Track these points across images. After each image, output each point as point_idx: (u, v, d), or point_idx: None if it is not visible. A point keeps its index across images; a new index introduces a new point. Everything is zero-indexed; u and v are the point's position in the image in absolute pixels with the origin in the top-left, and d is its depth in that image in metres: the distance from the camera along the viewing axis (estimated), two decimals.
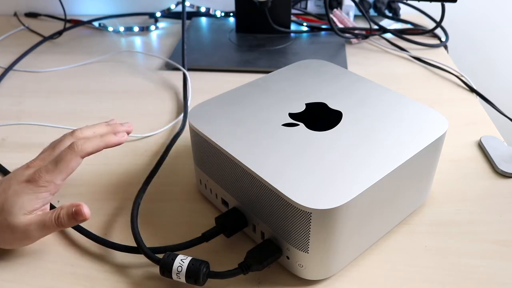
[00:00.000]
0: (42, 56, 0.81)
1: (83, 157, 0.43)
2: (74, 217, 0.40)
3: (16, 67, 0.77)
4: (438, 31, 0.87)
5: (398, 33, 0.86)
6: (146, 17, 0.97)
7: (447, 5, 0.80)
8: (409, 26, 0.90)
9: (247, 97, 0.49)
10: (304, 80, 0.52)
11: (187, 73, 0.71)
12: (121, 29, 0.90)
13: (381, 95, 0.49)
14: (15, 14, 0.97)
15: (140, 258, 0.42)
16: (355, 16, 0.94)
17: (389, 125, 0.44)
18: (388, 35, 0.87)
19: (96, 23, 0.92)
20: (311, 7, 0.95)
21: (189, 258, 0.39)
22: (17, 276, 0.42)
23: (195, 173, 0.50)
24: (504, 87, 1.09)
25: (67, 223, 0.40)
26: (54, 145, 0.44)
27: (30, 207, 0.40)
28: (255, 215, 0.42)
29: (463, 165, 0.55)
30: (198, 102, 0.49)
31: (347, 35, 0.85)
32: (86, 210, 0.40)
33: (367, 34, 0.86)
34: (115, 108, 0.66)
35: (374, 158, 0.40)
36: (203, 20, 0.94)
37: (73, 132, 0.45)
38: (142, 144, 0.59)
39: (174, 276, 0.38)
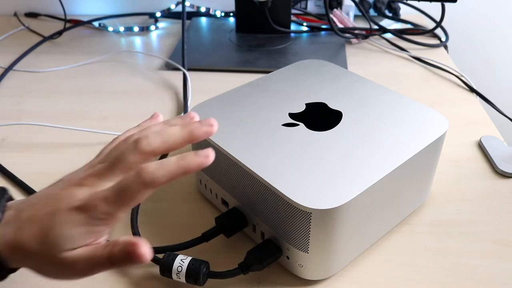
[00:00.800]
0: (42, 56, 0.81)
1: (153, 189, 0.31)
2: (129, 260, 0.30)
3: (16, 67, 0.77)
4: (438, 31, 0.87)
5: (398, 33, 0.86)
6: (146, 17, 0.97)
7: (447, 5, 0.80)
8: (409, 26, 0.90)
9: (247, 97, 0.49)
10: (304, 80, 0.52)
11: (187, 73, 0.71)
12: (121, 29, 0.90)
13: (381, 95, 0.49)
14: (15, 14, 0.97)
15: None
16: (355, 16, 0.94)
17: (389, 125, 0.44)
18: (388, 35, 0.87)
19: (96, 23, 0.92)
20: (311, 7, 0.94)
21: (189, 258, 0.39)
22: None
23: (195, 173, 0.50)
24: (504, 87, 1.09)
25: (121, 264, 0.31)
26: (113, 160, 0.33)
27: (80, 243, 0.31)
28: (255, 215, 0.42)
29: (463, 165, 0.55)
30: (198, 102, 0.49)
31: (347, 35, 0.85)
32: (144, 251, 0.30)
33: (367, 34, 0.85)
34: (115, 108, 0.66)
35: (374, 158, 0.40)
36: (203, 20, 0.94)
37: (137, 142, 0.32)
38: None
39: (174, 276, 0.38)
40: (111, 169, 0.33)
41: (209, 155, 0.32)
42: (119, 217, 0.32)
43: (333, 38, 0.85)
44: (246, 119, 0.45)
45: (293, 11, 0.93)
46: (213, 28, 0.91)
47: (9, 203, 0.34)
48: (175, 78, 0.74)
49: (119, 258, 0.30)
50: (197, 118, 0.37)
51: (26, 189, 0.51)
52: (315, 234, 0.37)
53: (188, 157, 0.31)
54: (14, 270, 0.34)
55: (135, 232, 0.44)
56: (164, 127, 0.35)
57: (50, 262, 0.31)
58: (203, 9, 0.95)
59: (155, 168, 0.31)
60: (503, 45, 1.05)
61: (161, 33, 0.91)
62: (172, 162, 0.31)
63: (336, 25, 0.86)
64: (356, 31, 0.86)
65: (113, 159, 0.33)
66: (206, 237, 0.42)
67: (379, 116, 0.46)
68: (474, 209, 0.49)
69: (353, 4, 0.89)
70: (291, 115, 0.46)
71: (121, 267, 0.33)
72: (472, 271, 0.42)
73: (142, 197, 0.31)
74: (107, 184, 0.32)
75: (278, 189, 0.37)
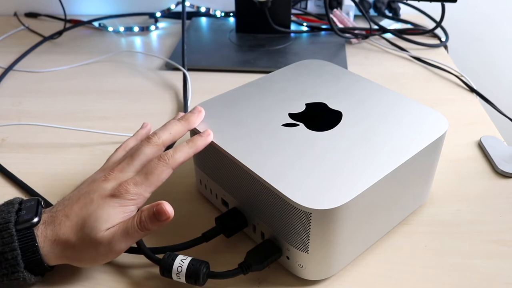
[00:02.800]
0: (42, 56, 0.81)
1: (174, 169, 0.40)
2: (157, 218, 0.37)
3: (16, 67, 0.77)
4: (438, 31, 0.87)
5: (398, 33, 0.86)
6: (146, 17, 0.97)
7: (447, 5, 0.80)
8: (409, 26, 0.90)
9: (247, 97, 0.49)
10: (304, 80, 0.52)
11: (187, 73, 0.71)
12: (121, 29, 0.90)
13: (381, 95, 0.49)
14: (15, 14, 0.97)
15: (140, 258, 0.42)
16: (355, 16, 0.94)
17: (389, 125, 0.44)
18: (388, 35, 0.87)
19: (96, 23, 0.92)
20: (311, 7, 0.94)
21: (189, 258, 0.39)
22: None
23: (195, 173, 0.50)
24: (504, 87, 1.09)
25: (151, 225, 0.37)
26: (131, 153, 0.41)
27: (115, 221, 0.37)
28: (255, 215, 0.42)
29: (463, 165, 0.55)
30: (198, 102, 0.49)
31: (347, 35, 0.85)
32: (168, 207, 0.37)
33: (367, 34, 0.85)
34: (115, 108, 0.66)
35: (374, 158, 0.40)
36: (203, 20, 0.94)
37: (149, 138, 0.41)
38: None
39: (174, 276, 0.38)
40: (131, 163, 0.40)
41: (210, 133, 0.42)
42: (147, 196, 0.39)
43: (333, 38, 0.85)
44: (246, 119, 0.45)
45: (293, 11, 0.93)
46: (213, 28, 0.91)
47: (43, 209, 0.40)
48: (175, 78, 0.74)
49: (148, 220, 0.37)
50: (181, 115, 0.46)
51: (26, 189, 0.51)
52: (315, 234, 0.37)
53: (195, 139, 0.42)
54: (51, 268, 0.39)
55: None
56: (166, 124, 0.44)
57: (90, 246, 0.37)
58: (203, 9, 0.95)
59: (173, 152, 0.40)
60: (503, 45, 1.05)
61: (161, 33, 0.91)
62: (184, 145, 0.41)
63: (336, 25, 0.86)
64: (356, 31, 0.86)
65: (131, 155, 0.40)
66: (206, 237, 0.42)
67: (379, 116, 0.46)
68: (474, 209, 0.49)
69: (353, 4, 0.89)
70: (291, 115, 0.46)
71: (151, 230, 0.37)
72: (472, 271, 0.42)
73: (165, 177, 0.39)
74: (130, 175, 0.39)
75: (278, 189, 0.37)
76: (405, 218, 0.47)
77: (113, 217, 0.37)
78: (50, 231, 0.37)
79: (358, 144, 0.42)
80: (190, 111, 0.45)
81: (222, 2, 0.96)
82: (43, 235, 0.37)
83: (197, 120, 0.44)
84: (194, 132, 0.45)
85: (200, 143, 0.41)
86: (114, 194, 0.38)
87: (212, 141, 0.42)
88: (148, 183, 0.38)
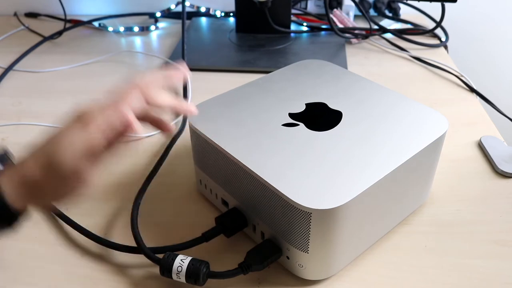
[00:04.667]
0: (42, 56, 0.81)
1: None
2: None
3: (16, 67, 0.77)
4: (438, 31, 0.87)
5: (398, 33, 0.85)
6: (146, 17, 0.97)
7: (447, 5, 0.80)
8: (409, 26, 0.90)
9: (247, 97, 0.49)
10: (304, 80, 0.52)
11: None
12: (121, 29, 0.90)
13: (381, 95, 0.49)
14: (15, 14, 0.97)
15: (140, 258, 0.42)
16: (355, 16, 0.94)
17: (389, 125, 0.44)
18: (388, 35, 0.87)
19: (96, 23, 0.92)
20: (311, 7, 0.94)
21: (189, 258, 0.39)
22: (18, 276, 0.42)
23: (195, 173, 0.50)
24: (504, 87, 1.09)
25: (112, 132, 0.35)
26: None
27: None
28: (255, 215, 0.42)
29: (463, 165, 0.55)
30: (198, 102, 0.49)
31: (347, 35, 0.85)
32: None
33: (367, 34, 0.85)
34: None
35: (374, 158, 0.40)
36: (203, 20, 0.94)
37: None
38: (142, 144, 0.59)
39: (174, 276, 0.38)
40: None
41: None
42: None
43: (333, 38, 0.85)
44: (246, 119, 0.45)
45: (293, 11, 0.93)
46: (213, 28, 0.91)
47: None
48: None
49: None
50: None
51: None
52: (315, 234, 0.37)
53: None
54: (19, 215, 0.35)
55: (135, 232, 0.43)
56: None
57: (58, 175, 0.33)
58: (203, 9, 0.95)
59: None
60: (503, 45, 1.05)
61: (161, 33, 0.91)
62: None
63: (336, 25, 0.86)
64: (356, 31, 0.86)
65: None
66: (206, 237, 0.42)
67: (379, 116, 0.46)
68: (474, 209, 0.49)
69: (353, 4, 0.89)
70: (291, 115, 0.46)
71: (113, 139, 0.36)
72: (472, 271, 0.42)
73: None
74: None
75: (278, 189, 0.37)
76: (405, 218, 0.47)
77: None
78: (16, 173, 0.35)
79: (358, 144, 0.42)
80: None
81: (222, 2, 0.96)
82: (9, 182, 0.34)
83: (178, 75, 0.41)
84: (193, 131, 0.45)
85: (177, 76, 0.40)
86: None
87: (212, 141, 0.42)
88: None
